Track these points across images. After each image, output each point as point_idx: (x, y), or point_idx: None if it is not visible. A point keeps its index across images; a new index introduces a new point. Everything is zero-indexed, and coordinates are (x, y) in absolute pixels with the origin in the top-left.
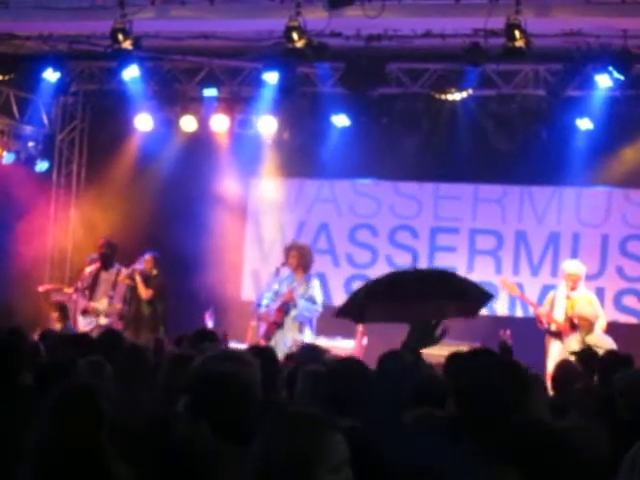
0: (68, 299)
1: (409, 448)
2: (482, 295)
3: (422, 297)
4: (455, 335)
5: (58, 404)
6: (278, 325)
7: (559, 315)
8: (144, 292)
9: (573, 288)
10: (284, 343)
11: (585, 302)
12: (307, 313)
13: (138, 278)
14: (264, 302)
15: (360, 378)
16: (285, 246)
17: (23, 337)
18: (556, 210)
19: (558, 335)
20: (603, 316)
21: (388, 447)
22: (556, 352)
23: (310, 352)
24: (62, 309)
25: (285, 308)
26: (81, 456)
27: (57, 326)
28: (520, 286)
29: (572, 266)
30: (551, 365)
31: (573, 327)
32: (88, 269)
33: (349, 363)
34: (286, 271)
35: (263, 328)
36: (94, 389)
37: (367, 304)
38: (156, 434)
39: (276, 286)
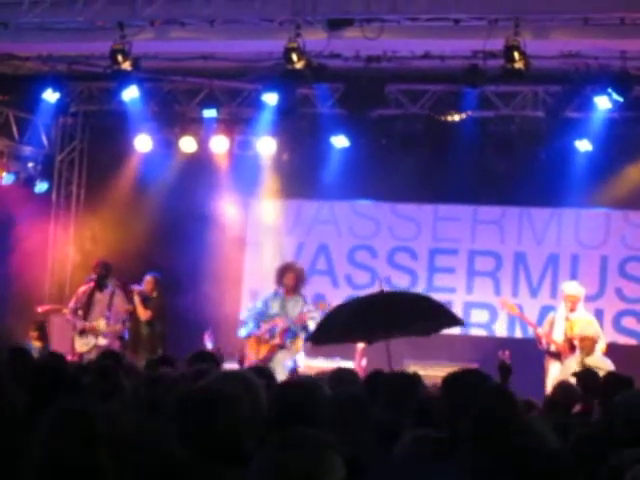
0: (66, 320)
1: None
2: (449, 318)
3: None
4: (453, 356)
5: (51, 427)
6: (280, 347)
7: (558, 336)
8: (143, 313)
9: (572, 309)
10: (283, 364)
11: (585, 323)
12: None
13: (137, 299)
14: (250, 323)
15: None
16: (280, 266)
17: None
18: (555, 231)
19: (557, 356)
20: (602, 338)
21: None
22: (555, 373)
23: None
24: (41, 328)
25: (289, 331)
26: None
27: (36, 344)
28: (519, 307)
29: (571, 287)
30: (550, 386)
31: (572, 348)
32: (82, 289)
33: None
34: (275, 291)
35: (252, 349)
36: (89, 411)
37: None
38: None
39: (260, 305)
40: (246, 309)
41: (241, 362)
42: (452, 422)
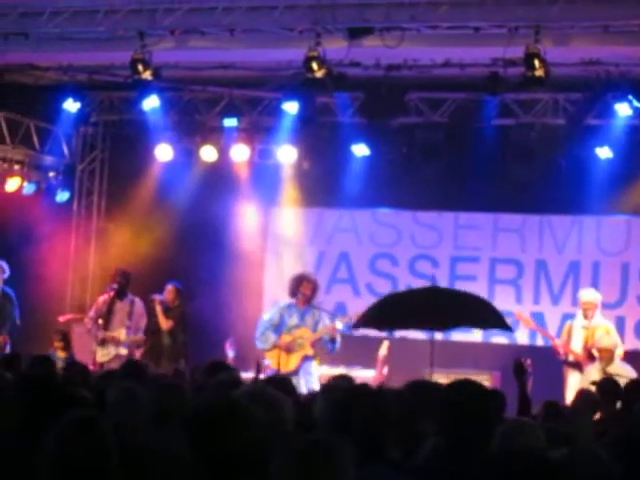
0: (87, 329)
1: None
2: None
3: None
4: (475, 364)
5: (61, 436)
6: (309, 358)
7: (577, 345)
8: (164, 323)
9: (590, 317)
10: (313, 375)
11: (603, 332)
12: (338, 347)
13: (158, 308)
14: (269, 334)
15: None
16: (295, 277)
17: None
18: (576, 239)
19: (577, 366)
20: (620, 345)
21: None
22: (574, 383)
23: (344, 382)
24: (65, 338)
25: (322, 342)
26: None
27: (60, 354)
28: (540, 315)
29: (587, 295)
30: (570, 396)
31: (591, 357)
32: (102, 298)
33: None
34: (286, 302)
35: (282, 361)
36: (98, 421)
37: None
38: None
39: (277, 318)
40: (260, 322)
41: (258, 372)
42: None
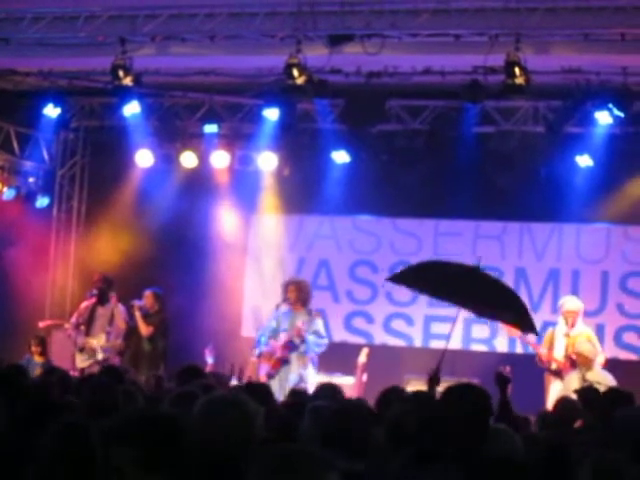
0: (67, 335)
1: None
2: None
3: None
4: (454, 371)
5: (52, 444)
6: (283, 362)
7: (559, 353)
8: (144, 329)
9: (572, 325)
10: (288, 379)
11: (584, 339)
12: (316, 348)
13: (137, 314)
14: (262, 340)
15: (365, 420)
16: (283, 282)
17: None
18: (556, 246)
19: (558, 374)
20: (601, 352)
21: None
22: (556, 391)
23: (327, 390)
24: (42, 343)
25: (290, 345)
26: None
27: (37, 360)
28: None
29: (570, 303)
30: (551, 404)
31: (573, 364)
32: (84, 304)
33: (357, 404)
34: (284, 307)
35: (264, 366)
36: (88, 429)
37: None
38: None
39: (274, 323)
40: (257, 329)
41: (240, 379)
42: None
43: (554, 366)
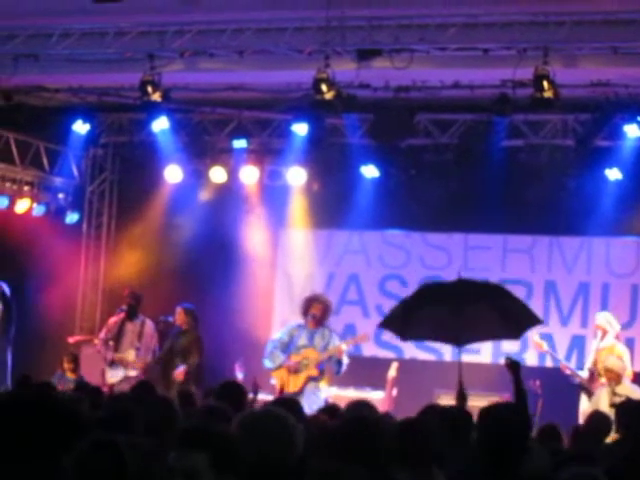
0: (97, 351)
1: None
2: (529, 318)
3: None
4: (485, 386)
5: (80, 461)
6: (314, 379)
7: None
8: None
9: (600, 338)
10: (317, 396)
11: (610, 354)
12: (345, 367)
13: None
14: (275, 352)
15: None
16: (306, 298)
17: None
18: (585, 260)
19: (584, 388)
20: (629, 366)
21: None
22: (584, 405)
23: (361, 408)
24: (75, 359)
25: (322, 364)
26: None
27: (70, 376)
28: (549, 336)
29: (597, 317)
30: (581, 418)
31: (594, 379)
32: (113, 319)
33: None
34: (294, 322)
35: (290, 381)
36: (118, 445)
37: (407, 315)
38: None
39: (285, 337)
40: (269, 341)
41: (255, 392)
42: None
43: (577, 380)
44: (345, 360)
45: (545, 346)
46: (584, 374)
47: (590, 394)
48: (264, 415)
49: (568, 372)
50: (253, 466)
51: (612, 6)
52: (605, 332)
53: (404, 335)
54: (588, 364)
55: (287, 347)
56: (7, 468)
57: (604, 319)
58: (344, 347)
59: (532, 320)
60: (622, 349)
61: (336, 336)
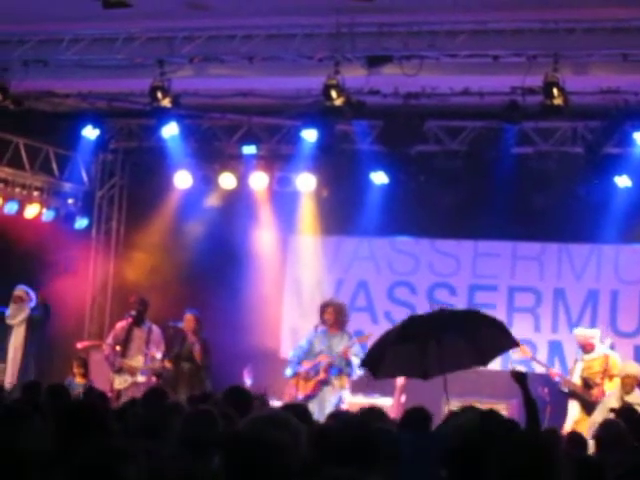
0: (105, 357)
1: None
2: (502, 343)
3: (435, 334)
4: (493, 393)
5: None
6: (324, 383)
7: (576, 377)
8: (199, 355)
9: (585, 351)
10: (328, 401)
11: (623, 361)
12: (358, 371)
13: (197, 344)
14: (295, 360)
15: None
16: (321, 303)
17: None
18: (595, 267)
19: (573, 395)
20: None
21: None
22: (574, 413)
23: (370, 414)
24: (85, 365)
25: (331, 367)
26: None
27: (79, 381)
28: (558, 344)
29: (577, 331)
30: (569, 425)
31: (587, 386)
32: (120, 324)
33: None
34: (320, 328)
35: (305, 386)
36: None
37: (382, 353)
38: None
39: (305, 344)
40: (292, 349)
41: (264, 399)
42: None
43: (566, 389)
44: (355, 361)
45: (528, 352)
46: (577, 381)
47: (585, 401)
48: (266, 417)
49: (557, 379)
50: (257, 469)
51: (622, 13)
52: (590, 346)
53: (376, 374)
54: (576, 374)
55: (307, 354)
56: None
57: (582, 335)
58: (355, 348)
59: (506, 344)
60: (617, 358)
61: (353, 339)
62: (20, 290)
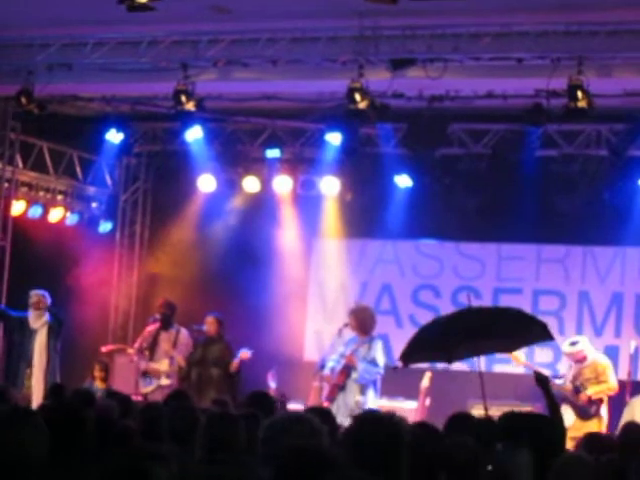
0: (130, 360)
1: None
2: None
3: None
4: (518, 396)
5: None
6: (340, 387)
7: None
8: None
9: (580, 363)
10: (346, 405)
11: (594, 367)
12: (367, 375)
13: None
14: (329, 364)
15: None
16: (348, 309)
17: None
18: (619, 270)
19: (565, 399)
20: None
21: None
22: (570, 419)
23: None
24: (106, 369)
25: (347, 371)
26: None
27: (99, 385)
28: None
29: (564, 348)
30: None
31: (576, 392)
32: (148, 329)
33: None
34: (350, 333)
35: (326, 390)
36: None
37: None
38: None
39: (341, 348)
40: (327, 352)
41: (283, 402)
42: None
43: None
44: (362, 367)
45: (522, 359)
46: (567, 387)
47: (576, 407)
48: (288, 418)
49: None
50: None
51: None
52: (583, 357)
53: (406, 361)
54: (567, 379)
55: (341, 357)
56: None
57: (570, 353)
58: (365, 352)
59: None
60: (605, 361)
61: (379, 346)
62: (36, 296)
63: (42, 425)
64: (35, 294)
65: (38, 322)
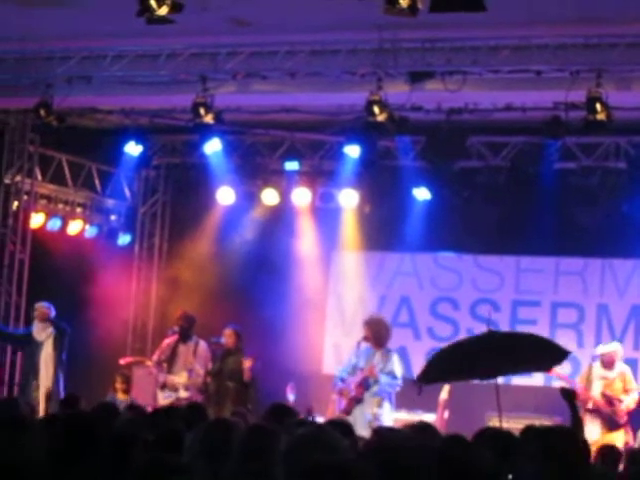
0: (148, 372)
1: None
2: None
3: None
4: (536, 408)
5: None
6: (357, 400)
7: (596, 392)
8: (247, 374)
9: (606, 367)
10: (364, 418)
11: (622, 378)
12: (389, 388)
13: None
14: (339, 375)
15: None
16: (363, 320)
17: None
18: (638, 283)
19: (596, 412)
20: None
21: None
22: (596, 433)
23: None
24: (128, 381)
25: (365, 383)
26: None
27: (121, 397)
28: None
29: (602, 347)
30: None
31: (609, 403)
32: (166, 341)
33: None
34: (365, 345)
35: (343, 403)
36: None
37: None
38: None
39: (354, 360)
40: (342, 364)
41: (310, 416)
42: None
43: (590, 405)
44: (384, 380)
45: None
46: (597, 397)
47: (604, 419)
48: (310, 431)
49: (580, 394)
50: None
51: None
52: (613, 362)
53: (427, 381)
54: (597, 390)
55: (354, 369)
56: None
57: (607, 353)
58: (382, 365)
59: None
60: (629, 371)
61: (395, 358)
62: (40, 308)
63: (40, 433)
64: (39, 306)
65: (43, 334)
